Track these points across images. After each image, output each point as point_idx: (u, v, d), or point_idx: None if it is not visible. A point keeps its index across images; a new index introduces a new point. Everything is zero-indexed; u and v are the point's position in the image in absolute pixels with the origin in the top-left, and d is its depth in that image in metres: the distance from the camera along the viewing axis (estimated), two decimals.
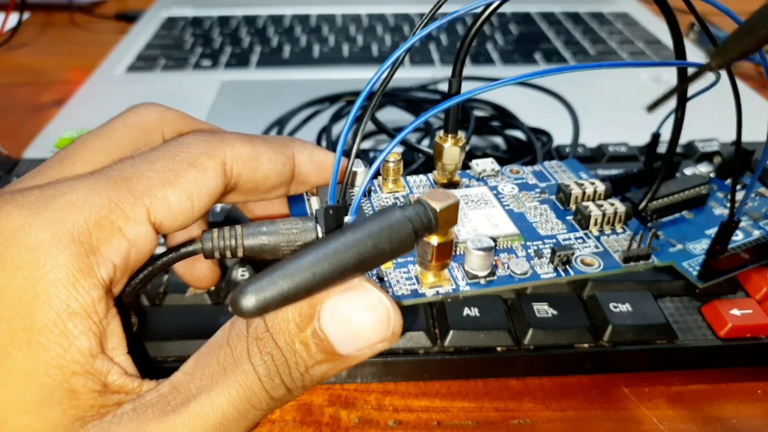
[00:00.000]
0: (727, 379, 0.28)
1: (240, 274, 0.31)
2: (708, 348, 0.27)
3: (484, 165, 0.26)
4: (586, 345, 0.27)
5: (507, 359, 0.27)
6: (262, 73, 0.58)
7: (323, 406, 0.26)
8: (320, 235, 0.21)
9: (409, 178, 0.28)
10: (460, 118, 0.47)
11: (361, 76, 0.57)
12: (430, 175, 0.27)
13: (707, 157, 0.39)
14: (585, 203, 0.23)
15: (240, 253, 0.21)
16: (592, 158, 0.41)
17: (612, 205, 0.23)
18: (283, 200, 0.27)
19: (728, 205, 0.33)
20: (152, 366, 0.26)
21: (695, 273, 0.30)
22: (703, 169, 0.36)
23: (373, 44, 0.64)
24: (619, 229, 0.23)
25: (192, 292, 0.30)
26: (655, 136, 0.33)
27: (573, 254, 0.22)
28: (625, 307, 0.28)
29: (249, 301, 0.15)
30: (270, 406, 0.18)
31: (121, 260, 0.19)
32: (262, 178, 0.23)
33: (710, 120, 0.43)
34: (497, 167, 0.26)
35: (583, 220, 0.23)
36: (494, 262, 0.22)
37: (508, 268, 0.22)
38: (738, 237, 0.31)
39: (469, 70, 0.58)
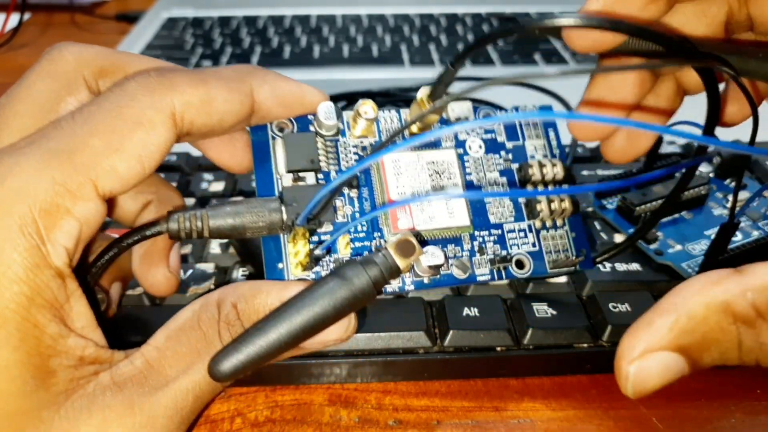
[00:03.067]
0: (725, 379, 0.28)
1: (240, 274, 0.31)
2: None
3: (460, 111, 0.25)
4: (585, 345, 0.27)
5: (507, 359, 0.27)
6: None
7: (323, 406, 0.26)
8: (284, 216, 0.22)
9: (380, 116, 0.26)
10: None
11: (362, 77, 0.57)
12: (403, 112, 0.25)
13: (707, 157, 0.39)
14: (538, 199, 0.24)
15: (206, 234, 0.21)
16: (591, 158, 0.41)
17: (562, 201, 0.24)
18: (243, 136, 0.25)
19: (727, 205, 0.33)
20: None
21: (694, 274, 0.30)
22: (703, 169, 0.36)
23: (373, 45, 0.64)
24: (559, 223, 0.25)
25: (193, 292, 0.30)
26: (658, 138, 0.33)
27: (511, 260, 0.24)
28: (624, 307, 0.28)
29: (224, 366, 0.19)
30: None
31: (73, 242, 0.19)
32: (217, 122, 0.21)
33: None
34: (471, 115, 0.25)
35: (531, 213, 0.25)
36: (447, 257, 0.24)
37: (451, 265, 0.23)
38: (737, 237, 0.31)
39: (468, 70, 0.59)
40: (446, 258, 0.24)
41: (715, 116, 0.22)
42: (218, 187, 0.38)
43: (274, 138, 0.24)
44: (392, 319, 0.28)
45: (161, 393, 0.19)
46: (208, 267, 0.31)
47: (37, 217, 0.18)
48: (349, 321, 0.21)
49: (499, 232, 0.24)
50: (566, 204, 0.24)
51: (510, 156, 0.25)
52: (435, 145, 0.25)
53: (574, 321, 0.28)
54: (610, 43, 0.23)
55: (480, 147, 0.25)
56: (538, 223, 0.25)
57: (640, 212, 0.32)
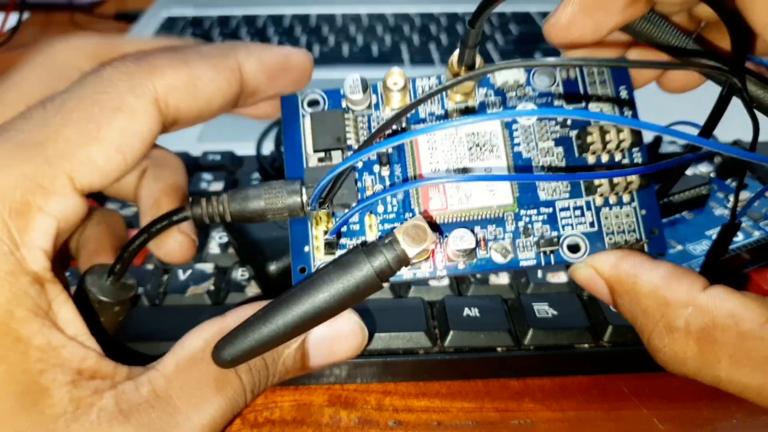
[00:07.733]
0: None
1: (240, 274, 0.31)
2: None
3: (507, 75, 0.22)
4: (586, 345, 0.27)
5: (507, 359, 0.27)
6: None
7: (323, 407, 0.26)
8: (305, 199, 0.21)
9: (417, 83, 0.23)
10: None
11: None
12: (442, 76, 0.23)
13: (707, 156, 0.39)
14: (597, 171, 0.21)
15: (228, 218, 0.21)
16: None
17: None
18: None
19: (729, 205, 0.33)
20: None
21: None
22: (704, 169, 0.36)
23: (373, 44, 0.64)
24: (626, 199, 0.21)
25: (192, 292, 0.30)
26: (658, 138, 0.33)
27: (560, 242, 0.21)
28: None
29: (227, 353, 0.19)
30: (244, 407, 0.20)
31: (50, 243, 0.17)
32: (205, 104, 0.20)
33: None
34: (523, 79, 0.22)
35: (588, 189, 0.22)
36: (478, 241, 0.21)
37: (490, 249, 0.21)
38: (738, 238, 0.31)
39: None
40: (484, 240, 0.21)
41: (716, 120, 0.22)
42: (218, 186, 0.37)
43: (304, 116, 0.23)
44: (392, 320, 0.28)
45: (168, 428, 0.17)
46: (208, 267, 0.31)
47: (8, 218, 0.16)
48: (362, 333, 0.20)
49: (550, 210, 0.21)
50: (633, 176, 0.21)
51: (569, 121, 0.22)
52: (477, 111, 0.22)
53: (575, 321, 0.28)
54: (592, 38, 0.21)
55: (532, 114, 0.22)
56: (599, 200, 0.21)
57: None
